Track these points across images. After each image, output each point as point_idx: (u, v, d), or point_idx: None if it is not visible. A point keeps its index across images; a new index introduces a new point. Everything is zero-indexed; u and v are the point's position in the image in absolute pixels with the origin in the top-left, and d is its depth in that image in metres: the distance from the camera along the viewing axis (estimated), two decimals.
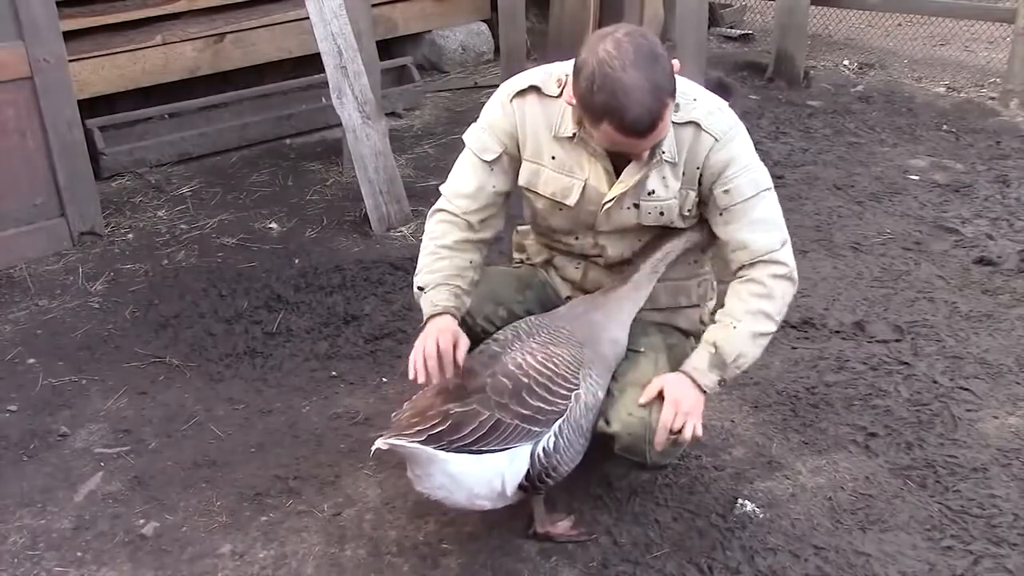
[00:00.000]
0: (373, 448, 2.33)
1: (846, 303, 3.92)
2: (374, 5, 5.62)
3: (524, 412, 2.41)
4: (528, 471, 2.46)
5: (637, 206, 2.54)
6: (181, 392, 3.52)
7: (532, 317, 2.65)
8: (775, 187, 2.60)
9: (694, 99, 2.50)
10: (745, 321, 2.50)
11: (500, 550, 2.67)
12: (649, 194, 2.52)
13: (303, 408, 3.40)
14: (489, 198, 2.65)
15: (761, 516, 2.77)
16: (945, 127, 5.85)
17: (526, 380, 2.44)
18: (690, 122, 2.47)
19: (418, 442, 2.33)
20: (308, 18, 4.66)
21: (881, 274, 4.15)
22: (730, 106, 2.61)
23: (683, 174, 2.52)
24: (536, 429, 2.44)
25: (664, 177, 2.51)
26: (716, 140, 2.48)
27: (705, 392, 2.52)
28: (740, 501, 2.81)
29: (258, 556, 2.70)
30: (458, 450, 2.36)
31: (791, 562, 2.60)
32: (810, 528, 2.73)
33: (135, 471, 3.08)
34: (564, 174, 2.56)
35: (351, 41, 4.64)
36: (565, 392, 2.47)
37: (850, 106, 6.20)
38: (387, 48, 6.70)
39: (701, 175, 2.51)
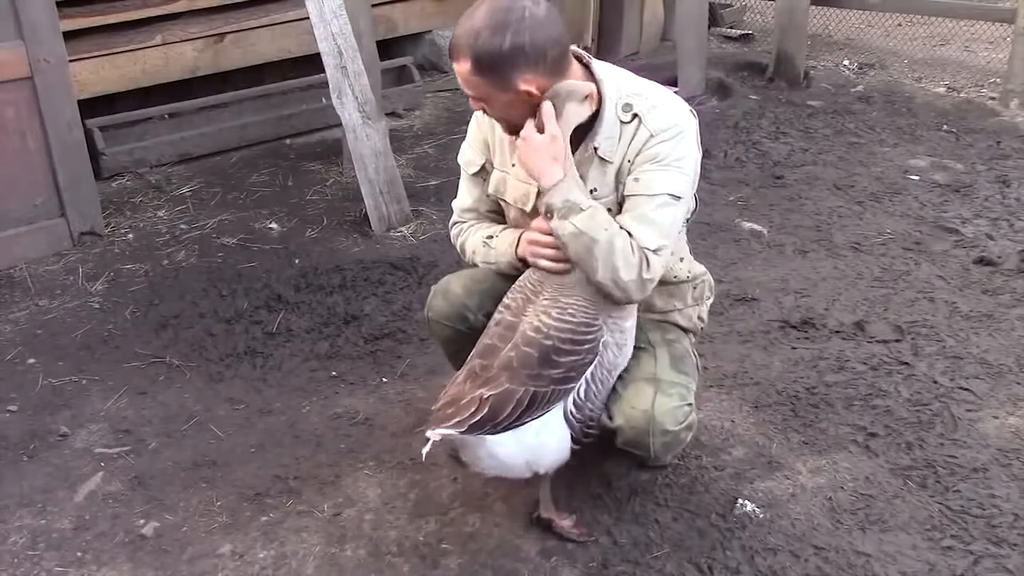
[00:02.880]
0: (425, 450, 2.30)
1: (846, 303, 3.92)
2: (374, 5, 5.62)
3: (556, 374, 2.41)
4: (571, 435, 2.50)
5: None
6: (181, 392, 3.52)
7: (531, 273, 2.57)
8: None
9: (645, 98, 2.49)
10: (607, 241, 2.36)
11: (500, 550, 2.67)
12: (592, 191, 2.51)
13: (303, 408, 3.40)
14: (491, 205, 2.77)
15: (761, 516, 2.77)
16: (945, 127, 5.85)
17: (549, 342, 2.40)
18: (635, 115, 2.46)
19: (459, 432, 2.34)
20: (308, 18, 4.67)
21: (881, 274, 4.15)
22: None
23: (618, 169, 2.50)
24: (572, 386, 2.45)
25: (605, 174, 2.51)
26: (652, 136, 2.44)
27: (545, 186, 2.40)
28: (740, 501, 2.81)
29: (258, 556, 2.70)
30: (503, 430, 2.38)
31: (791, 562, 2.60)
32: (810, 528, 2.73)
33: (135, 471, 3.08)
34: (523, 180, 2.60)
35: (351, 41, 4.64)
36: (592, 337, 2.44)
37: (850, 106, 6.20)
38: (387, 48, 6.70)
39: (631, 165, 2.47)
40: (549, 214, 2.40)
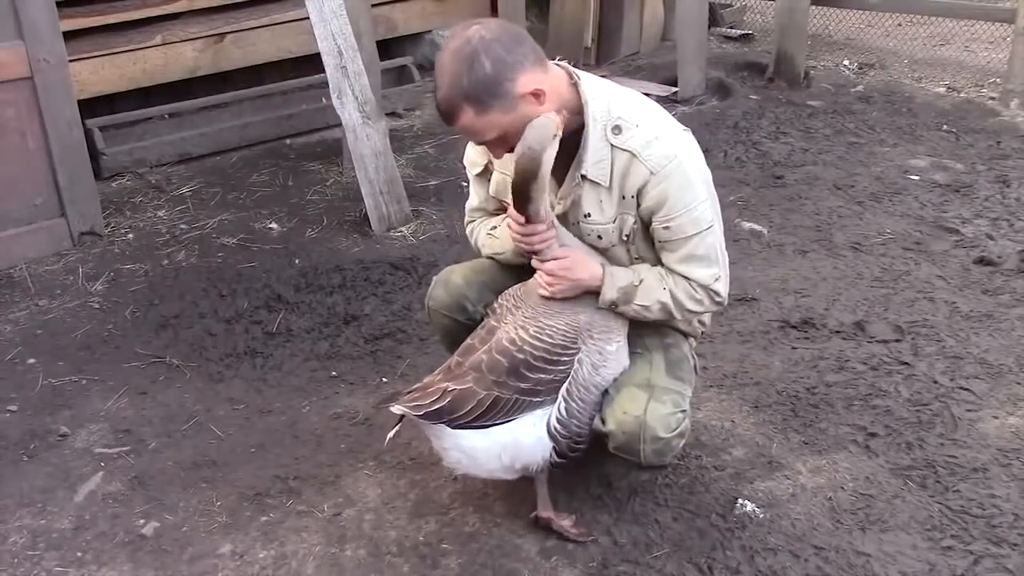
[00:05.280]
0: (389, 435, 2.49)
1: (846, 303, 3.92)
2: (374, 5, 5.62)
3: (523, 386, 2.47)
4: (555, 448, 2.53)
5: (578, 224, 2.57)
6: (181, 392, 3.52)
7: (520, 285, 2.64)
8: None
9: (636, 124, 2.46)
10: (670, 295, 2.54)
11: (500, 550, 2.67)
12: (585, 216, 2.54)
13: (303, 408, 3.40)
14: (497, 204, 2.80)
15: (761, 516, 2.77)
16: (945, 127, 5.85)
17: (522, 356, 2.47)
18: (627, 150, 2.45)
19: (416, 416, 2.44)
20: (308, 18, 4.67)
21: (881, 274, 4.15)
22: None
23: (622, 198, 2.50)
24: (538, 399, 2.49)
25: (600, 200, 2.52)
26: (652, 174, 2.44)
27: (597, 294, 2.53)
28: (740, 501, 2.81)
29: (258, 556, 2.70)
30: (462, 427, 2.46)
31: (791, 562, 2.60)
32: (810, 528, 2.73)
33: (135, 471, 3.09)
34: None
35: (351, 41, 4.64)
36: (567, 359, 2.50)
37: (850, 106, 6.20)
38: (387, 48, 6.70)
39: (639, 204, 2.50)
40: (615, 305, 2.53)
